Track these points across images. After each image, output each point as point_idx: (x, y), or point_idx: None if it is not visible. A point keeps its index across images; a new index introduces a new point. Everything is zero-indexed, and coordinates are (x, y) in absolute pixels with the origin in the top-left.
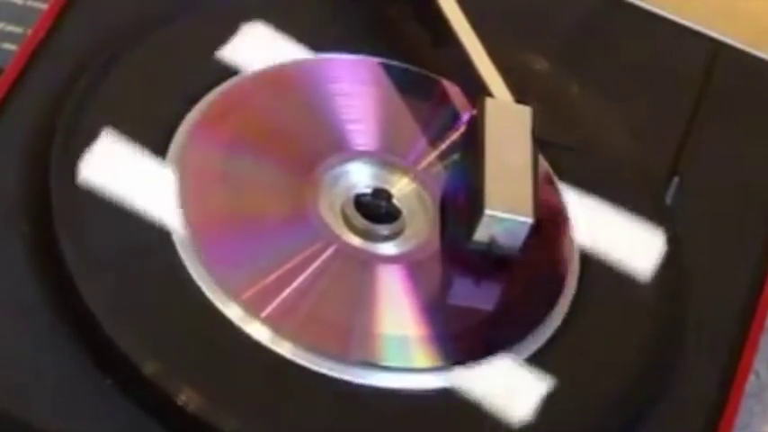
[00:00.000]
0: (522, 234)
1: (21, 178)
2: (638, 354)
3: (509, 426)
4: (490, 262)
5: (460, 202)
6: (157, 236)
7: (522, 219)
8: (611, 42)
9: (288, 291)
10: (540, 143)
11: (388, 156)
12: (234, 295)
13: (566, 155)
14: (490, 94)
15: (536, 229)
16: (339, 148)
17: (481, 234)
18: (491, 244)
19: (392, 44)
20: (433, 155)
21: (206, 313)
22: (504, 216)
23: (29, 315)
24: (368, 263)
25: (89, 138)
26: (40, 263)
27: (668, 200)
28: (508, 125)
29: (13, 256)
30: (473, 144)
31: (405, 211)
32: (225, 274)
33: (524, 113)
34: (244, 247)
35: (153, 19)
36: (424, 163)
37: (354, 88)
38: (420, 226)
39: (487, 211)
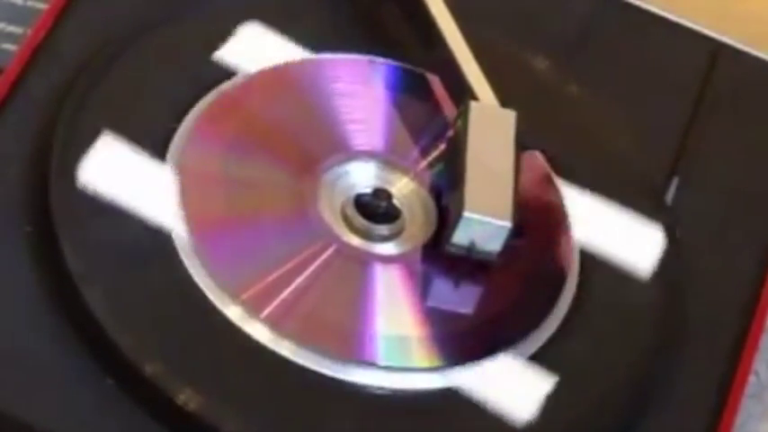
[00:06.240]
0: (500, 238)
1: (21, 178)
2: (637, 354)
3: (509, 426)
4: (490, 263)
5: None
6: (157, 236)
7: (501, 222)
8: (610, 43)
9: (288, 291)
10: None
11: (388, 155)
12: (234, 295)
13: (566, 155)
14: (475, 98)
15: (535, 230)
16: (339, 148)
17: (460, 236)
18: (471, 247)
19: (390, 44)
20: (434, 154)
21: (206, 313)
22: (483, 219)
23: (29, 315)
24: (368, 263)
25: (89, 138)
26: (40, 263)
27: (668, 200)
28: (492, 129)
29: (13, 256)
30: (457, 147)
31: (405, 211)
32: (225, 274)
33: (508, 118)
34: (244, 247)
35: (152, 19)
36: (425, 163)
37: (354, 88)
38: (420, 226)
39: (466, 214)
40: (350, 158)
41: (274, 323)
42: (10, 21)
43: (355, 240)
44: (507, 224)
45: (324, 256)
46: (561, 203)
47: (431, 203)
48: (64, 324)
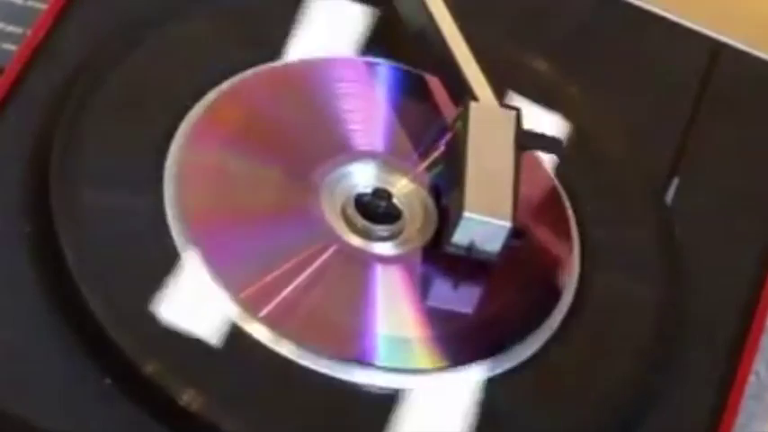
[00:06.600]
0: (500, 238)
1: (21, 178)
2: (638, 354)
3: (509, 426)
4: (490, 263)
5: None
6: (158, 236)
7: (501, 222)
8: (611, 42)
9: (288, 290)
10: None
11: (388, 156)
12: (234, 295)
13: (565, 155)
14: (475, 98)
15: (535, 230)
16: (340, 149)
17: (460, 237)
18: (471, 247)
19: (390, 44)
20: (434, 155)
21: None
22: (483, 219)
23: (29, 315)
24: (368, 263)
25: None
26: (41, 263)
27: (668, 200)
28: (492, 129)
29: (13, 256)
30: (457, 147)
31: (405, 212)
32: (226, 274)
33: (508, 118)
34: (244, 247)
35: (152, 19)
36: (425, 163)
37: (356, 89)
38: (420, 226)
39: (466, 214)
40: (350, 159)
41: (274, 323)
42: (10, 21)
43: (356, 240)
44: (507, 224)
45: (324, 256)
46: (561, 203)
47: (431, 204)
48: (64, 324)
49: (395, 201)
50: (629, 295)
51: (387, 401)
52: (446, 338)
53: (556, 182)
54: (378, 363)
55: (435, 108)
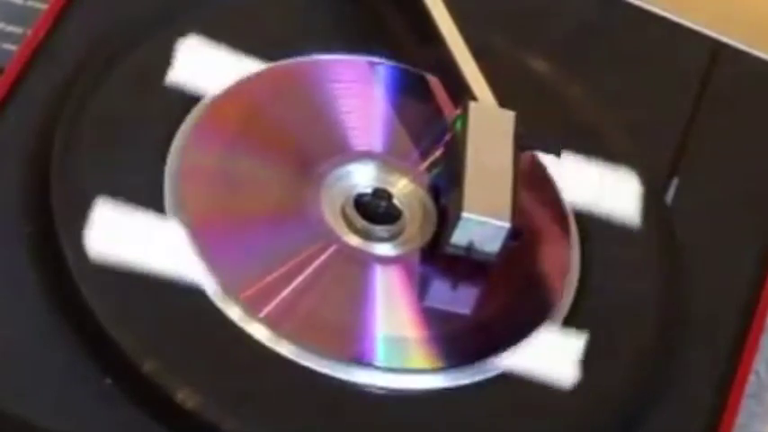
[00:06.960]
0: (499, 238)
1: (21, 178)
2: (637, 354)
3: (508, 426)
4: (489, 264)
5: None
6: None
7: (500, 223)
8: (610, 42)
9: (288, 290)
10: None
11: (388, 156)
12: (234, 295)
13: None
14: (474, 98)
15: (535, 230)
16: (340, 149)
17: (459, 237)
18: (469, 248)
19: (390, 44)
20: (434, 155)
21: (206, 313)
22: (482, 219)
23: (29, 315)
24: (367, 263)
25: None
26: (41, 263)
27: (668, 200)
28: (491, 129)
29: (13, 256)
30: (456, 147)
31: (405, 212)
32: (225, 274)
33: (508, 118)
34: (244, 247)
35: (152, 19)
36: (425, 163)
37: (356, 89)
38: (420, 227)
39: (464, 214)
40: (350, 159)
41: (274, 323)
42: (10, 21)
43: (355, 241)
44: (506, 224)
45: (324, 257)
46: (561, 203)
47: (431, 204)
48: (64, 324)
49: (395, 201)
50: (629, 295)
51: (386, 401)
52: (445, 339)
53: (555, 182)
54: (377, 363)
55: (435, 108)
